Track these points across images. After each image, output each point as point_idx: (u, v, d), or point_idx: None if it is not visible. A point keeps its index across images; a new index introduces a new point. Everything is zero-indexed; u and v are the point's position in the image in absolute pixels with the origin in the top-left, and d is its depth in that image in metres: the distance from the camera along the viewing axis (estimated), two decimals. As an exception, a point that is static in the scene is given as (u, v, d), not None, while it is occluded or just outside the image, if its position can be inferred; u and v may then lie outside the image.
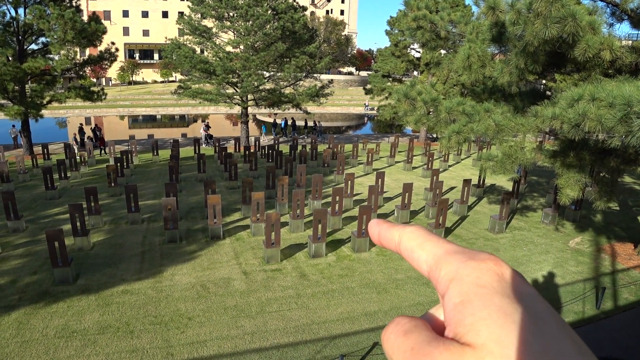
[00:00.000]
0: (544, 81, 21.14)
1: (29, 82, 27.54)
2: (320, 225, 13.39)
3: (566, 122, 8.16)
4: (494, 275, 0.42)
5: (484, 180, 21.57)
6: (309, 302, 11.25)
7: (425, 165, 25.57)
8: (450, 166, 28.38)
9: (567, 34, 8.66)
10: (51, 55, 26.89)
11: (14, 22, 24.86)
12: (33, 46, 27.09)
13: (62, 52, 25.54)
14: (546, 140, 25.16)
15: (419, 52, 36.94)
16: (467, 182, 18.24)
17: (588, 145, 11.38)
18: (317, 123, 39.57)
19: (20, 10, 24.89)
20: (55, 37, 24.07)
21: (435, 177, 19.11)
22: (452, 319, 0.40)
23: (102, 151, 29.57)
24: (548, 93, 13.07)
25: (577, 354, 0.37)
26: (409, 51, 37.03)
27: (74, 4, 26.24)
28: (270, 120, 41.22)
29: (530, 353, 0.35)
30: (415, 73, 44.41)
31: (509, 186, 22.55)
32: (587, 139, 10.93)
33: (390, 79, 37.72)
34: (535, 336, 0.36)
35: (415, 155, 29.42)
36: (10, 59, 24.19)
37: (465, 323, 0.39)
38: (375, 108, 40.53)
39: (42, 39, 26.70)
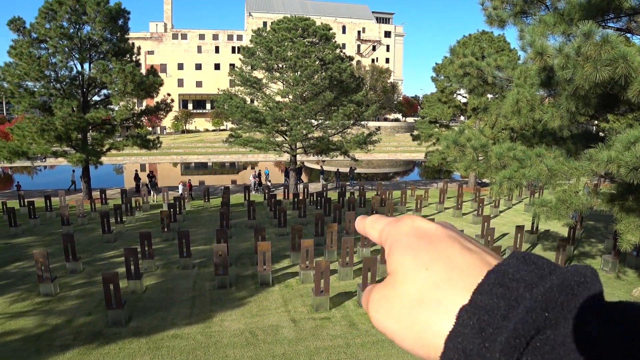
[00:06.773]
0: (596, 122, 20.59)
1: (91, 130, 29.24)
2: (369, 273, 13.22)
3: (623, 166, 7.91)
4: (406, 225, 0.55)
5: (537, 227, 20.89)
6: (358, 352, 11.02)
7: (476, 211, 25.00)
8: (501, 212, 27.62)
9: (618, 76, 8.50)
10: (111, 106, 28.59)
11: (80, 76, 26.87)
12: (95, 97, 29.02)
13: (122, 103, 27.17)
14: (602, 183, 24.26)
15: (465, 97, 36.79)
16: (519, 228, 17.70)
17: (648, 189, 10.92)
18: (352, 168, 39.08)
19: (86, 65, 27.10)
20: (116, 89, 25.83)
21: (486, 224, 18.66)
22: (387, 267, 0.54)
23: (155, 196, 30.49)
24: (601, 134, 12.72)
25: (461, 249, 0.49)
26: (455, 97, 36.99)
27: (134, 59, 28.12)
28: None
29: (421, 262, 0.49)
30: (462, 118, 44.11)
31: (564, 232, 21.70)
32: (647, 182, 10.49)
33: (437, 124, 37.56)
34: (428, 251, 0.50)
35: (464, 201, 28.85)
36: (75, 109, 25.88)
37: (387, 263, 0.54)
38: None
39: (104, 91, 28.65)
